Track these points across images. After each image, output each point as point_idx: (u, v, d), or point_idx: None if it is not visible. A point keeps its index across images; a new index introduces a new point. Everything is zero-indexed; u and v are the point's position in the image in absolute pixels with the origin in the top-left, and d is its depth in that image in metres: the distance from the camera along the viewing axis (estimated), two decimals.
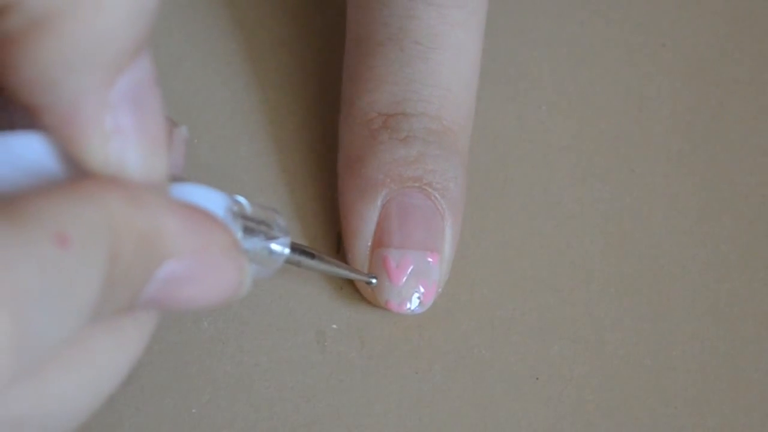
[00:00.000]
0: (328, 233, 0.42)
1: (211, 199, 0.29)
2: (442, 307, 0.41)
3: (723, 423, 0.40)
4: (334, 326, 0.40)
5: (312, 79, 0.44)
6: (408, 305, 0.39)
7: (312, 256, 0.36)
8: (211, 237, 0.28)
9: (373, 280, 0.39)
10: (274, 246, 0.31)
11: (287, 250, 0.32)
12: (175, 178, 0.29)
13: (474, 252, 0.42)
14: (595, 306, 0.41)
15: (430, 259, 0.39)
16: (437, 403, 0.39)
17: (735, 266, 0.42)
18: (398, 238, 0.39)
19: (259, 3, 0.46)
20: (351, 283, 0.40)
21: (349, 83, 0.42)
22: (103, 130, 0.27)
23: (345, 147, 0.41)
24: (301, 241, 0.41)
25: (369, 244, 0.40)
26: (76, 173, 0.27)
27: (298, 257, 0.34)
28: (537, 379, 0.40)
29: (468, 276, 0.41)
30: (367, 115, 0.41)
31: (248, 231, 0.30)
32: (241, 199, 0.31)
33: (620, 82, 0.45)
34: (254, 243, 0.31)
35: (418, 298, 0.39)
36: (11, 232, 0.24)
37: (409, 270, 0.39)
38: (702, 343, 0.41)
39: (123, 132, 0.27)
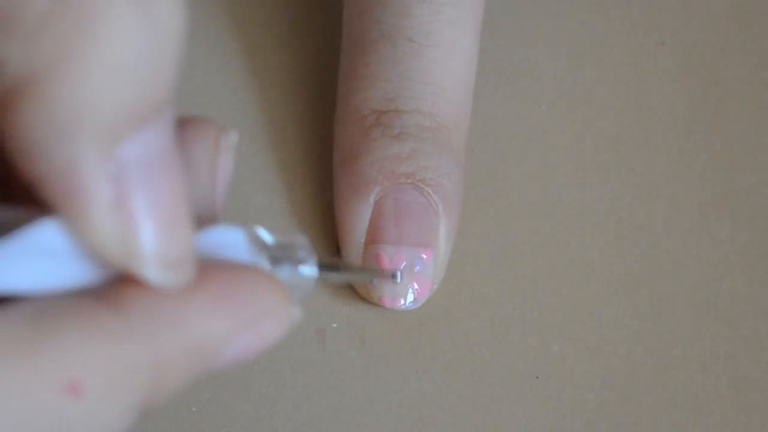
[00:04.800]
0: (328, 232, 0.42)
1: (232, 242, 0.29)
2: (442, 306, 0.41)
3: (723, 423, 0.40)
4: (334, 325, 0.40)
5: (311, 78, 0.44)
6: (401, 301, 0.39)
7: (338, 268, 0.36)
8: (262, 307, 0.27)
9: (398, 274, 0.39)
10: (304, 270, 0.31)
11: (316, 271, 0.31)
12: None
13: (474, 252, 0.42)
14: (595, 305, 0.41)
15: (423, 255, 0.39)
16: (437, 402, 0.39)
17: (735, 265, 0.42)
18: (391, 235, 0.39)
19: (259, 3, 0.46)
20: None
21: (343, 81, 0.42)
22: (102, 204, 0.24)
23: (339, 144, 0.41)
24: None
25: (362, 240, 0.40)
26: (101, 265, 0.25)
27: (325, 274, 0.33)
28: (537, 378, 0.40)
29: (468, 275, 0.41)
30: (360, 112, 0.41)
31: (274, 261, 0.30)
32: (261, 230, 0.30)
33: (620, 81, 0.45)
34: (284, 272, 0.30)
35: (413, 293, 0.40)
36: (16, 372, 0.23)
37: (402, 266, 0.39)
38: (702, 343, 0.41)
39: (128, 206, 0.24)
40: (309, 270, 0.31)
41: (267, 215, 0.42)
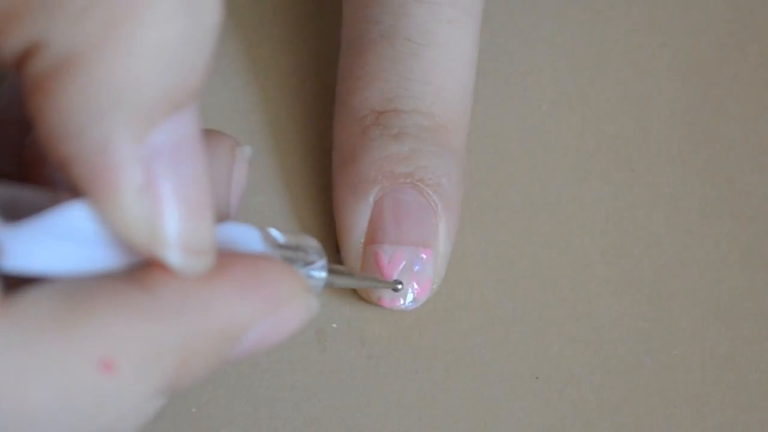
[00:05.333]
0: (328, 232, 0.42)
1: (248, 238, 0.29)
2: (442, 306, 0.41)
3: (723, 423, 0.40)
4: (334, 325, 0.40)
5: (311, 78, 0.44)
6: (401, 301, 0.39)
7: (344, 273, 0.37)
8: (281, 293, 0.27)
9: (399, 286, 0.39)
10: (314, 272, 0.31)
11: (324, 273, 0.32)
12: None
13: (474, 252, 0.42)
14: (595, 305, 0.41)
15: (423, 255, 0.39)
16: (437, 403, 0.39)
17: (735, 265, 0.42)
18: (390, 234, 0.39)
19: (259, 3, 0.46)
20: None
21: (342, 82, 0.42)
22: (132, 186, 0.24)
23: (338, 145, 0.41)
24: None
25: (361, 240, 0.40)
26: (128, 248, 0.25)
27: (332, 277, 0.34)
28: (537, 378, 0.40)
29: (468, 276, 0.41)
30: (359, 112, 0.40)
31: (286, 260, 0.30)
32: (273, 231, 0.30)
33: (620, 82, 0.45)
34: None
35: (412, 293, 0.39)
36: (55, 347, 0.23)
37: (402, 266, 0.39)
38: (702, 343, 0.41)
39: (156, 191, 0.25)
40: (319, 272, 0.31)
41: (267, 215, 0.42)
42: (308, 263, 0.31)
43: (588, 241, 0.42)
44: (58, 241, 0.24)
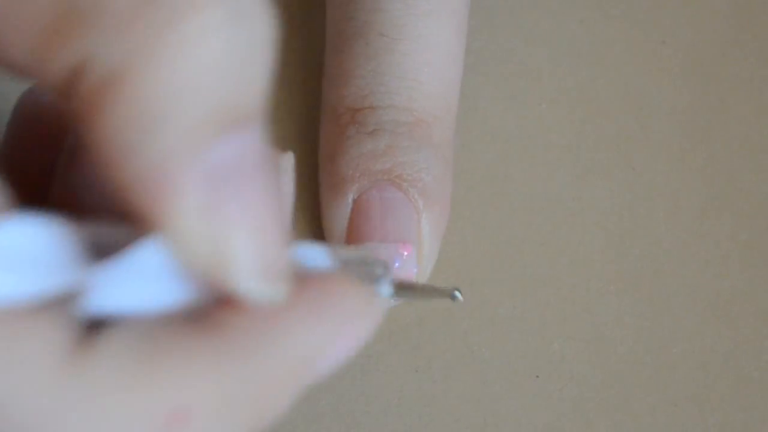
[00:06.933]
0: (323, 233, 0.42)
1: (311, 256, 0.28)
2: (442, 305, 0.41)
3: (723, 421, 0.40)
4: None
5: (311, 78, 0.44)
6: None
7: (407, 286, 0.36)
8: (352, 311, 0.26)
9: (457, 293, 0.36)
10: (380, 287, 0.30)
11: (391, 288, 0.31)
12: None
13: (474, 250, 0.42)
14: (595, 304, 0.41)
15: (403, 252, 0.39)
16: (437, 401, 0.39)
17: (735, 264, 0.42)
18: (369, 233, 0.39)
19: None
20: None
21: (323, 81, 0.42)
22: (193, 206, 0.23)
23: (321, 145, 0.41)
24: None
25: (343, 240, 0.39)
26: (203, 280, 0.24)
27: (397, 290, 0.32)
28: (537, 377, 0.40)
29: (468, 274, 0.41)
30: (336, 111, 0.40)
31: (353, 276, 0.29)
32: (337, 246, 0.30)
33: (620, 80, 0.45)
34: None
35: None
36: (127, 400, 0.22)
37: None
38: (702, 341, 0.41)
39: (221, 212, 0.23)
40: (385, 287, 0.30)
41: None
42: (374, 278, 0.30)
43: (588, 240, 0.42)
44: (136, 281, 0.23)
